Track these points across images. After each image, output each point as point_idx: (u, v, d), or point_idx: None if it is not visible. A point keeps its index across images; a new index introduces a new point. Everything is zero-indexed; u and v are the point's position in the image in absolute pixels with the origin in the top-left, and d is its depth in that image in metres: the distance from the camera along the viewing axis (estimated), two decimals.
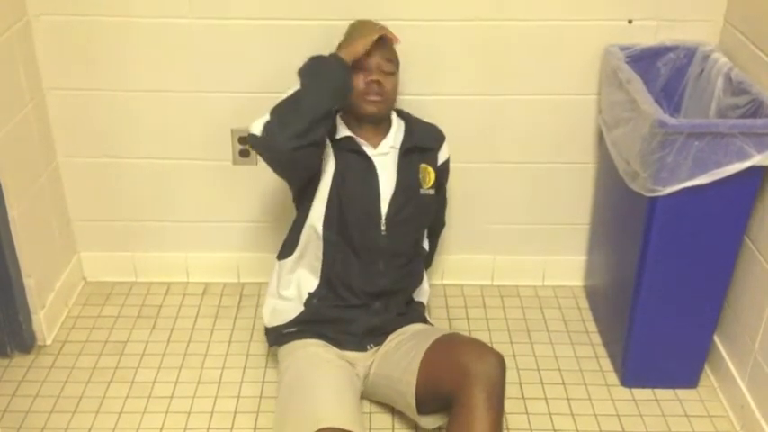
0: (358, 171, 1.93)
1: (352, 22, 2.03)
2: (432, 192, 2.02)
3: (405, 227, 1.98)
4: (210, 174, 2.33)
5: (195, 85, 2.19)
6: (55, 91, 2.20)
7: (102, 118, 2.24)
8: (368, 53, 1.89)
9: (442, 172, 2.07)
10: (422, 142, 2.01)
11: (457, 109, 2.22)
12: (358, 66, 1.89)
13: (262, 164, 2.29)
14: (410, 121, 2.04)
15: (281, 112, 1.79)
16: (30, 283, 2.13)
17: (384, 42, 1.93)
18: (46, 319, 2.21)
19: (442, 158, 2.06)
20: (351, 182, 1.92)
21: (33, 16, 2.10)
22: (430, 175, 2.01)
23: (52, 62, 2.17)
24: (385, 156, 1.97)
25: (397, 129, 2.01)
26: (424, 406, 1.83)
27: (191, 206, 2.38)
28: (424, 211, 2.03)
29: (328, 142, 1.93)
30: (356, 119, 1.96)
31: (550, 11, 2.10)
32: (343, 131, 1.96)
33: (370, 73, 1.90)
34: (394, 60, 1.96)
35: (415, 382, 1.81)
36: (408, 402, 1.84)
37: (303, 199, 1.97)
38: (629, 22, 2.12)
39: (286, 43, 2.13)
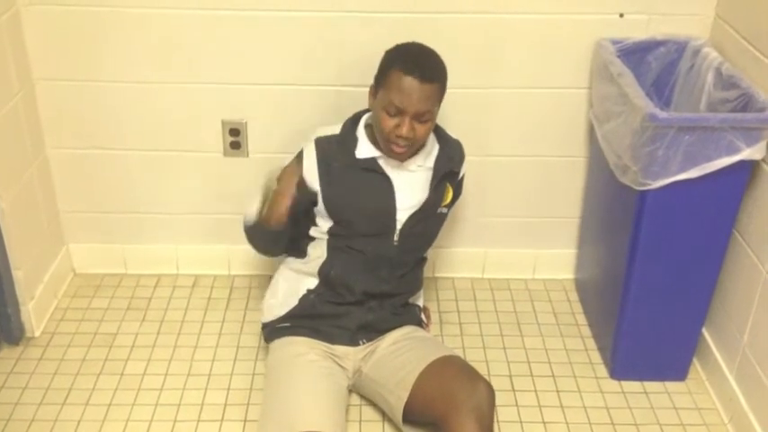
0: (375, 187, 1.90)
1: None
2: (445, 210, 2.02)
3: (416, 241, 2.00)
4: (201, 165, 2.32)
5: (186, 76, 2.18)
6: (44, 81, 2.19)
7: (92, 109, 2.23)
8: (404, 100, 1.77)
9: (458, 187, 2.07)
10: (454, 166, 1.99)
11: (447, 102, 2.20)
12: (391, 106, 1.79)
13: (253, 156, 2.29)
14: (442, 139, 1.99)
15: (246, 235, 2.00)
16: (18, 274, 2.12)
17: (425, 89, 1.78)
18: (35, 310, 2.20)
19: (460, 175, 2.06)
20: (365, 197, 1.90)
21: (23, 6, 2.09)
22: (448, 194, 2.01)
23: (42, 52, 2.15)
24: (411, 173, 1.93)
25: (431, 148, 1.96)
26: (409, 418, 1.86)
27: (181, 198, 2.37)
28: (434, 228, 2.05)
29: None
30: None
31: (542, 4, 2.10)
32: (365, 151, 1.90)
33: (402, 123, 1.80)
34: (433, 108, 1.83)
35: (405, 399, 1.83)
36: (395, 415, 1.87)
37: (312, 213, 1.96)
38: (621, 15, 2.12)
39: (276, 34, 2.12)
